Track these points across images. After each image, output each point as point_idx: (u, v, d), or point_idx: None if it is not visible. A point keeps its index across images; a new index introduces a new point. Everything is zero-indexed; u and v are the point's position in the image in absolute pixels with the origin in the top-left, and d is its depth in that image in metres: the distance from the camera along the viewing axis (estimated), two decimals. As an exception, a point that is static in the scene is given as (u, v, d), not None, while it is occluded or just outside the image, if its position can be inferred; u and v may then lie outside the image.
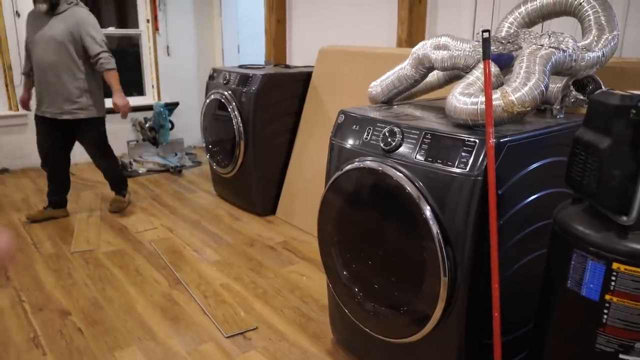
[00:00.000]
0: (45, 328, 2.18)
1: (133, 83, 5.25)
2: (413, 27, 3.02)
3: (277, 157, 3.55)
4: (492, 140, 1.38)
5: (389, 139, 1.64)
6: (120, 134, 5.03)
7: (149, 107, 5.06)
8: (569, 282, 1.28)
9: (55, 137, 3.35)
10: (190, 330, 2.17)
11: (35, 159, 4.67)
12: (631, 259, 1.16)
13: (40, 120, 3.34)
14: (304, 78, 3.52)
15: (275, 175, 3.55)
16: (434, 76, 2.08)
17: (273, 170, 3.54)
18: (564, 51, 1.56)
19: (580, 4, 1.75)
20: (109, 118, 4.94)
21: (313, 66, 3.51)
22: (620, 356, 1.22)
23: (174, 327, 2.19)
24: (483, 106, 1.46)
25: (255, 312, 2.31)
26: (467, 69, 1.70)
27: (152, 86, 5.25)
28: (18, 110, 4.51)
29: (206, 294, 2.46)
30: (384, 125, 1.69)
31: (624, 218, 1.17)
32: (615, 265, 1.18)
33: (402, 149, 1.60)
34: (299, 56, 4.15)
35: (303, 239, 3.12)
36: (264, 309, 2.34)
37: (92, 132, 3.45)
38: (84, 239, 3.11)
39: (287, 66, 3.92)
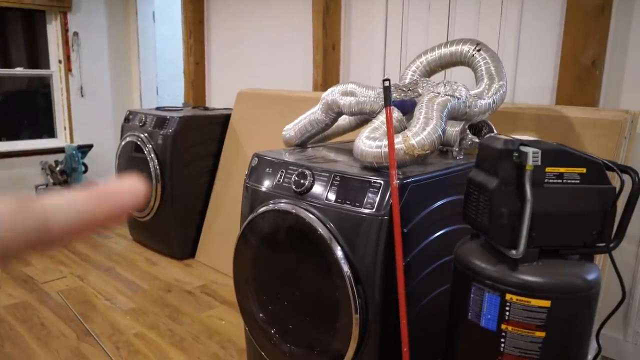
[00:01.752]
0: None
1: (44, 125, 5.01)
2: (328, 71, 3.15)
3: (196, 199, 3.50)
4: (395, 181, 1.46)
5: (300, 181, 1.68)
6: (27, 179, 4.76)
7: (60, 150, 4.83)
8: (469, 313, 1.36)
9: None
10: (99, 385, 2.05)
11: None
12: (521, 290, 1.26)
13: None
14: (223, 120, 3.53)
15: (194, 218, 3.49)
16: (345, 120, 2.18)
17: (192, 212, 3.48)
18: (458, 98, 1.69)
19: (473, 55, 1.93)
20: (15, 161, 4.69)
21: (232, 108, 3.54)
22: (518, 383, 1.30)
23: (81, 383, 2.06)
24: (387, 149, 1.54)
25: (170, 361, 2.23)
26: (373, 114, 1.80)
27: (65, 128, 5.03)
28: None
29: (118, 345, 2.34)
30: (295, 168, 1.74)
31: (513, 252, 1.27)
32: (508, 296, 1.27)
33: (314, 191, 1.65)
34: (218, 98, 4.18)
35: (223, 282, 3.06)
36: (180, 357, 2.25)
37: None
38: (-19, 292, 2.87)
39: (206, 108, 3.92)
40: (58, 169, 4.65)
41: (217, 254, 3.31)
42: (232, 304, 2.76)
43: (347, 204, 1.55)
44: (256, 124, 3.26)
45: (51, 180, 4.73)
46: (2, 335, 2.41)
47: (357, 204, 1.53)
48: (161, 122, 3.35)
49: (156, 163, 3.31)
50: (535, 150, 1.24)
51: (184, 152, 3.34)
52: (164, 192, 3.34)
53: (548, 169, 1.28)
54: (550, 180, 1.28)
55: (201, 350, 2.31)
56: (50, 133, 5.07)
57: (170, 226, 3.41)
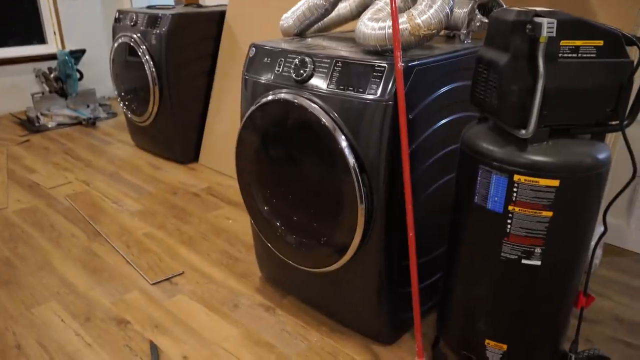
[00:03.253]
0: (-48, 293, 2.05)
1: (32, 30, 4.81)
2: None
3: (196, 102, 3.42)
4: (400, 64, 1.38)
5: (301, 70, 1.60)
6: (23, 86, 4.66)
7: (52, 56, 4.68)
8: (476, 197, 1.35)
9: None
10: (113, 281, 2.11)
11: None
12: (530, 170, 1.23)
13: None
14: (218, 18, 3.36)
15: (195, 121, 3.43)
16: (346, 7, 2.05)
17: (192, 115, 3.42)
18: (468, -27, 1.56)
19: None
20: (7, 69, 4.56)
21: (226, 5, 3.35)
22: (523, 261, 1.32)
23: (96, 279, 2.12)
24: (390, 30, 1.45)
25: (181, 258, 2.28)
26: (376, -5, 1.67)
27: (54, 33, 4.84)
28: None
29: (128, 244, 2.39)
30: (295, 56, 1.65)
31: (523, 132, 1.22)
32: (516, 177, 1.25)
33: (315, 79, 1.58)
34: (211, -6, 3.95)
35: (228, 183, 3.07)
36: (190, 254, 2.31)
37: None
38: (-11, 199, 2.90)
39: (200, 6, 3.72)
40: (52, 75, 4.52)
41: (220, 157, 3.29)
42: (237, 204, 2.78)
43: (350, 90, 1.49)
44: (253, 21, 3.10)
45: (47, 88, 4.62)
46: (14, 238, 2.47)
47: (361, 90, 1.46)
48: (153, 20, 3.19)
49: (152, 65, 3.20)
50: (551, 20, 1.14)
51: (179, 52, 3.21)
52: (162, 96, 3.26)
53: (563, 42, 1.19)
54: (565, 54, 1.20)
55: (210, 247, 2.36)
56: (40, 39, 4.88)
57: (171, 130, 3.36)
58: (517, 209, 1.27)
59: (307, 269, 1.75)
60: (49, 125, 4.29)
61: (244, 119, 1.79)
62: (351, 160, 1.49)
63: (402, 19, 1.45)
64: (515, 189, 1.25)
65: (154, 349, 1.71)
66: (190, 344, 1.75)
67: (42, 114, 4.39)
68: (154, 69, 3.20)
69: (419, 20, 1.44)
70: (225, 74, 3.30)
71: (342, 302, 1.78)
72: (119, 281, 2.11)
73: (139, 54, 3.23)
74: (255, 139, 1.78)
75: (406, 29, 1.44)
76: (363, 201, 1.51)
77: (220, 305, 1.94)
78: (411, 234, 1.45)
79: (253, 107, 1.74)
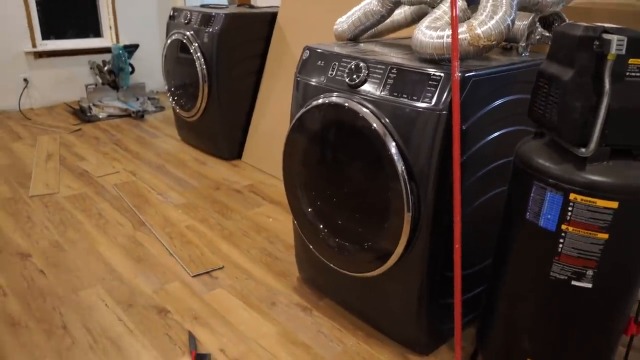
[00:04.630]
0: (5, 270, 2.14)
1: (90, 24, 4.99)
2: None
3: (242, 100, 3.48)
4: (457, 74, 1.37)
5: (355, 74, 1.61)
6: (77, 78, 4.84)
7: (107, 50, 4.84)
8: (528, 213, 1.32)
9: None
10: (156, 270, 2.16)
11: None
12: (587, 190, 1.20)
13: None
14: (269, 19, 3.40)
15: (241, 119, 3.49)
16: (401, 14, 2.05)
17: (238, 113, 3.47)
18: (531, -15, 1.54)
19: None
20: (65, 60, 4.75)
21: (278, 6, 3.40)
22: (573, 283, 1.28)
23: (139, 267, 2.18)
24: (449, 40, 1.44)
25: (221, 252, 2.32)
26: (434, 3, 1.67)
27: (110, 27, 5.01)
28: (-35, 49, 4.25)
29: (171, 236, 2.44)
30: (349, 60, 1.66)
31: (583, 150, 1.20)
32: (572, 196, 1.22)
33: (368, 85, 1.58)
34: (264, -4, 4.01)
35: (270, 182, 3.11)
36: (231, 249, 2.34)
37: None
38: (42, 183, 3.02)
39: (252, 6, 3.78)
40: (106, 68, 4.68)
41: (263, 156, 3.33)
42: (279, 203, 2.81)
43: (404, 97, 1.48)
44: (304, 22, 3.13)
45: (100, 80, 4.78)
46: (64, 222, 2.56)
47: (415, 98, 1.46)
48: (206, 19, 3.26)
49: (203, 62, 3.27)
50: (621, 38, 1.11)
51: (230, 51, 3.27)
52: (211, 93, 3.32)
53: (631, 61, 1.16)
54: (633, 73, 1.17)
55: (250, 244, 2.39)
56: (97, 32, 5.06)
57: (218, 127, 3.43)
58: (570, 228, 1.24)
59: (348, 272, 1.75)
60: (100, 116, 4.43)
61: (294, 121, 1.81)
62: (400, 166, 1.49)
63: (462, 28, 1.44)
64: (570, 208, 1.22)
65: (193, 339, 1.74)
66: (227, 338, 1.77)
67: (94, 105, 4.55)
68: (204, 67, 3.27)
69: (479, 31, 1.43)
70: (273, 74, 3.34)
71: (380, 308, 1.77)
72: (161, 271, 2.16)
73: (191, 51, 3.31)
74: (303, 141, 1.80)
75: (465, 39, 1.43)
76: (410, 209, 1.50)
77: (258, 302, 1.97)
78: (457, 245, 1.43)
79: (303, 110, 1.76)
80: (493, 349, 1.53)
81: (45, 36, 4.70)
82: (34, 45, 4.56)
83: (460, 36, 1.42)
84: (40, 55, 4.61)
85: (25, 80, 4.59)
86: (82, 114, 4.44)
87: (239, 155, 3.51)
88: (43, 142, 3.77)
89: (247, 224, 2.58)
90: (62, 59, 4.76)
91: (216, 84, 3.29)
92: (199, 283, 2.08)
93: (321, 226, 1.80)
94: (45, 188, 2.95)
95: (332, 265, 1.79)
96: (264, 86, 3.41)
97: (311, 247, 1.85)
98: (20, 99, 4.59)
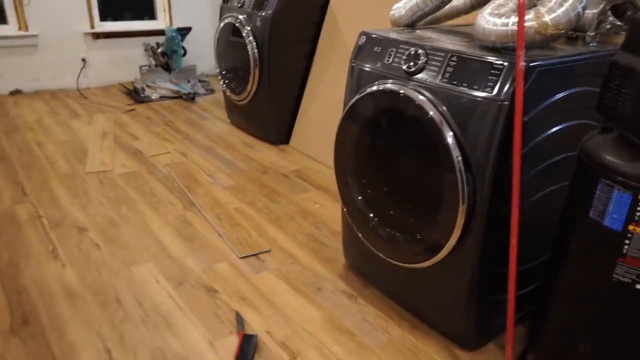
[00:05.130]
0: (63, 242, 2.23)
1: (144, 7, 5.10)
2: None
3: (292, 85, 3.48)
4: (522, 64, 1.31)
5: (413, 61, 1.58)
6: (132, 59, 4.96)
7: (160, 32, 4.94)
8: (591, 212, 1.26)
9: None
10: (205, 250, 2.21)
11: (48, 81, 4.65)
12: (659, 189, 1.13)
13: None
14: (322, 3, 3.37)
15: (290, 104, 3.49)
16: (460, 0, 1.99)
17: (287, 98, 3.48)
18: (606, -29, 1.45)
19: None
20: (120, 41, 4.88)
21: (332, -10, 3.37)
22: (637, 287, 1.22)
23: (189, 246, 2.23)
24: (514, 27, 1.38)
25: (268, 236, 2.34)
26: (499, -11, 1.60)
27: (164, 10, 5.10)
28: (27, 30, 4.42)
29: (220, 217, 2.49)
30: (407, 47, 1.62)
31: (656, 147, 1.13)
32: (641, 195, 1.16)
33: (426, 72, 1.55)
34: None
35: (317, 168, 3.11)
36: (277, 233, 2.36)
37: None
38: (98, 160, 3.13)
39: (305, -10, 3.75)
40: (159, 50, 4.77)
41: (311, 141, 3.33)
42: (326, 189, 2.81)
43: (464, 86, 1.44)
44: (357, 8, 3.09)
45: (153, 62, 4.89)
46: (118, 199, 2.65)
47: (475, 87, 1.42)
48: (260, 3, 3.27)
49: (254, 46, 3.28)
50: None
51: (282, 35, 3.27)
52: (262, 77, 3.34)
53: None
54: None
55: (296, 228, 2.41)
56: (151, 15, 5.16)
57: (267, 111, 3.45)
58: (638, 229, 1.18)
59: (396, 263, 1.73)
60: (152, 97, 4.54)
61: (347, 108, 1.79)
62: (456, 157, 1.45)
63: (529, 15, 1.38)
64: (639, 208, 1.16)
65: (240, 320, 1.77)
66: (273, 320, 1.79)
67: (147, 86, 4.66)
68: (256, 50, 3.28)
69: (547, 18, 1.36)
70: (324, 59, 3.32)
71: (427, 300, 1.75)
72: (209, 251, 2.20)
73: (243, 34, 3.32)
74: (356, 129, 1.78)
75: (532, 27, 1.37)
76: (465, 201, 1.46)
77: (304, 287, 1.98)
78: (514, 241, 1.39)
79: (357, 97, 1.74)
80: (545, 350, 1.48)
81: (103, 18, 4.83)
82: (92, 27, 4.70)
83: (526, 24, 1.37)
84: (97, 36, 4.75)
85: (83, 60, 4.75)
86: (135, 95, 4.56)
87: (286, 140, 3.52)
88: (99, 120, 3.90)
89: (294, 208, 2.60)
90: (118, 40, 4.89)
91: (267, 68, 3.30)
92: (246, 265, 2.11)
93: (371, 215, 1.79)
94: (101, 165, 3.05)
95: (380, 254, 1.78)
96: (314, 71, 3.40)
97: (360, 235, 1.84)
98: (78, 78, 4.75)
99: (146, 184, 2.82)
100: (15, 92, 4.54)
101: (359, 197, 1.82)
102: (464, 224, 1.49)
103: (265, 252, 2.20)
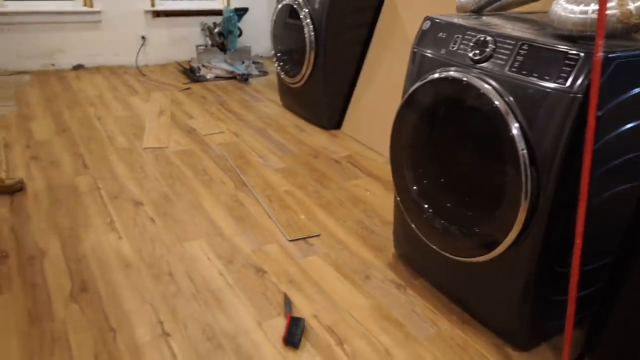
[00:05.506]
0: (120, 214, 2.31)
1: (204, -14, 5.16)
2: None
3: (347, 70, 3.44)
4: (600, 54, 1.24)
5: (480, 49, 1.52)
6: (190, 38, 5.04)
7: (218, 12, 4.98)
8: (666, 214, 1.19)
9: None
10: (255, 230, 2.23)
11: (109, 57, 4.79)
12: None
13: None
14: (382, -13, 3.31)
15: (344, 88, 3.46)
16: (532, -15, 1.89)
17: (341, 83, 3.45)
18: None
19: None
20: (179, 20, 4.96)
21: (393, -27, 3.29)
22: None
23: (240, 226, 2.26)
24: (594, 15, 1.30)
25: (318, 220, 2.34)
26: (577, -26, 1.51)
27: (223, -10, 5.14)
28: (92, 6, 4.56)
29: (271, 199, 2.50)
30: (475, 34, 1.56)
31: None
32: None
33: (493, 60, 1.49)
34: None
35: (368, 155, 3.08)
36: (327, 218, 2.36)
37: None
38: (154, 137, 3.21)
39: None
40: (216, 30, 4.82)
41: (363, 127, 3.30)
42: (377, 177, 2.78)
43: (534, 76, 1.37)
44: (419, -9, 3.00)
45: (209, 42, 4.95)
46: (173, 175, 2.71)
47: (546, 78, 1.35)
48: (319, -15, 3.23)
49: (311, 29, 3.26)
50: None
51: (339, 18, 3.23)
52: (317, 60, 3.32)
53: None
54: None
55: (346, 214, 2.40)
56: (210, -5, 5.21)
57: (320, 95, 3.43)
58: None
59: (450, 256, 1.69)
60: (207, 77, 4.61)
61: (407, 95, 1.75)
62: (521, 150, 1.39)
63: (611, 3, 1.29)
64: None
65: (288, 302, 1.78)
66: (321, 305, 1.80)
67: (203, 66, 4.72)
68: (312, 33, 3.26)
69: (631, 7, 1.28)
70: (382, 44, 3.26)
71: (479, 296, 1.71)
72: (259, 232, 2.22)
73: (300, 16, 3.31)
74: (415, 116, 1.74)
75: (614, 15, 1.29)
76: (527, 197, 1.41)
77: (352, 274, 1.97)
78: (578, 240, 1.33)
79: (418, 84, 1.69)
80: (605, 355, 1.42)
81: (163, -4, 4.93)
82: (152, 4, 4.80)
83: (608, 12, 1.28)
84: (157, 14, 4.85)
85: (142, 37, 4.86)
86: (191, 74, 4.64)
87: (338, 125, 3.50)
88: (156, 97, 3.99)
89: (344, 194, 2.58)
90: (177, 19, 4.97)
91: (323, 52, 3.27)
92: (295, 248, 2.12)
93: (426, 206, 1.75)
94: (157, 142, 3.13)
95: (434, 247, 1.74)
96: (371, 56, 3.34)
97: (413, 226, 1.81)
98: (137, 56, 4.87)
99: (199, 162, 2.88)
100: (78, 67, 4.71)
101: (414, 187, 1.79)
102: (524, 221, 1.44)
103: (315, 236, 2.21)
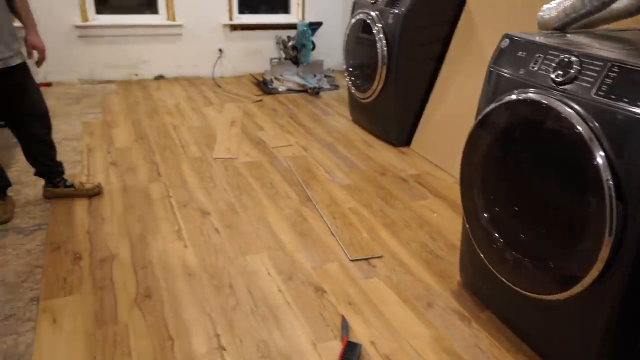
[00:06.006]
0: (188, 223, 2.36)
1: (279, 0, 5.26)
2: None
3: (418, 86, 3.36)
4: None
5: (563, 70, 1.41)
6: (264, 51, 5.15)
7: (292, 26, 5.06)
8: None
9: None
10: (317, 247, 2.21)
11: (188, 69, 4.98)
12: None
13: None
14: (458, 1, 3.21)
15: (415, 105, 3.38)
16: (623, 2, 1.75)
17: (412, 99, 3.37)
18: None
19: None
20: (254, 34, 5.09)
21: (471, -12, 3.18)
22: None
23: (302, 241, 2.24)
24: (699, 36, 1.17)
25: (381, 240, 2.28)
26: (679, -10, 1.38)
27: (297, 4, 5.22)
28: (174, 20, 4.77)
29: (335, 215, 2.47)
30: (558, 54, 1.46)
31: None
32: None
33: (577, 83, 1.37)
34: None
35: (437, 174, 2.98)
36: (391, 238, 2.29)
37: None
38: (225, 147, 3.28)
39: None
40: (290, 44, 4.90)
41: (434, 145, 3.20)
42: (445, 198, 2.68)
43: (624, 101, 1.25)
44: (498, 8, 2.88)
45: (283, 55, 5.03)
46: (240, 187, 2.75)
47: (639, 103, 1.22)
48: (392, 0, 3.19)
49: (384, 44, 3.21)
50: None
51: (413, 33, 3.16)
52: (388, 76, 3.27)
53: None
54: None
55: (410, 236, 2.32)
56: (285, 8, 5.32)
57: (390, 111, 3.37)
58: None
59: (521, 290, 1.57)
60: (279, 89, 4.68)
61: (480, 116, 1.66)
62: (606, 180, 1.27)
63: None
64: None
65: (346, 325, 1.73)
66: (379, 331, 1.73)
67: (275, 78, 4.81)
68: (385, 48, 3.22)
69: None
70: (456, 61, 3.16)
71: (551, 336, 1.57)
72: (321, 249, 2.20)
73: (374, 31, 3.27)
74: (489, 139, 1.65)
75: None
76: (612, 232, 1.28)
77: (414, 300, 1.89)
78: (671, 286, 1.18)
79: (494, 105, 1.60)
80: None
81: (241, 11, 5.07)
82: (230, 19, 4.95)
83: None
84: (234, 27, 5.00)
85: (220, 50, 5.03)
86: (264, 86, 4.73)
87: (407, 142, 3.42)
88: (229, 109, 4.09)
89: (410, 215, 2.50)
90: (253, 32, 5.10)
91: (395, 67, 3.22)
92: (356, 268, 2.07)
93: (497, 235, 1.64)
94: (227, 152, 3.19)
95: (504, 279, 1.63)
96: (444, 73, 3.25)
97: (482, 255, 1.71)
98: (214, 68, 5.04)
99: (267, 175, 2.90)
100: (159, 77, 4.94)
101: (485, 214, 1.69)
102: (607, 259, 1.30)
103: (377, 257, 2.15)
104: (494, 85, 1.65)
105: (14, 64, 2.11)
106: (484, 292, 1.86)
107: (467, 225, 1.78)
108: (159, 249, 2.16)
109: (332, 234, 2.31)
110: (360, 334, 1.71)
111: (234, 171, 2.94)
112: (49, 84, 4.54)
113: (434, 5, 3.17)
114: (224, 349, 1.63)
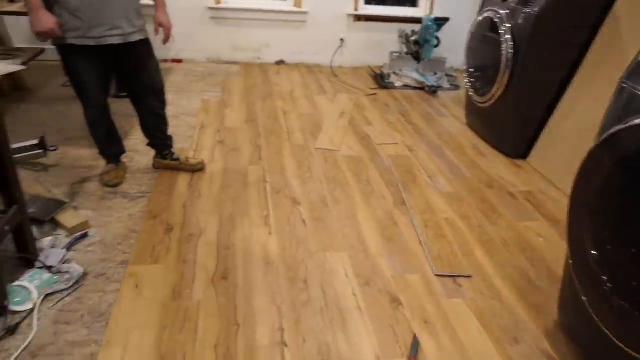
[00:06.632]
0: (277, 210, 2.36)
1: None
2: None
3: (544, 95, 3.04)
4: None
5: None
6: (385, 44, 5.05)
7: (417, 20, 4.88)
8: None
9: (105, 73, 2.31)
10: (402, 255, 2.09)
11: (309, 56, 5.03)
12: None
13: (83, 53, 2.15)
14: (603, 4, 2.83)
15: (537, 115, 3.07)
16: None
17: (535, 109, 3.07)
18: None
19: None
20: (377, 25, 4.99)
21: (622, -11, 2.80)
22: None
23: (387, 246, 2.14)
24: None
25: (473, 258, 2.10)
26: None
27: (428, -2, 5.02)
28: (301, 7, 4.83)
29: (427, 224, 2.33)
30: None
31: None
32: None
33: None
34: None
35: (552, 195, 2.68)
36: (484, 258, 2.10)
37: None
38: (328, 138, 3.25)
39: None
40: (413, 38, 4.73)
41: (554, 162, 2.89)
42: (557, 222, 2.40)
43: None
44: (653, 12, 2.50)
45: (404, 49, 4.88)
46: (336, 180, 2.70)
47: None
48: (528, -3, 2.91)
49: (510, 46, 2.95)
50: None
51: (545, 37, 2.86)
52: (511, 80, 3.00)
53: None
54: None
55: (508, 259, 2.10)
56: (413, 2, 5.14)
57: (509, 119, 3.11)
58: None
59: (625, 348, 1.34)
60: (396, 84, 4.54)
61: (605, 136, 1.43)
62: None
63: None
64: None
65: (416, 346, 1.61)
66: (451, 359, 1.58)
67: (393, 73, 4.68)
68: (511, 51, 2.95)
69: None
70: (593, 71, 2.81)
71: (659, 407, 1.32)
72: (406, 258, 2.07)
73: (500, 31, 3.02)
74: (610, 164, 1.41)
75: None
76: None
77: (498, 331, 1.71)
78: None
79: (622, 125, 1.37)
80: None
81: (368, 1, 4.99)
82: (355, 9, 4.90)
83: None
84: (358, 18, 4.94)
85: (341, 40, 5.00)
86: (380, 79, 4.62)
87: (524, 155, 3.13)
88: (341, 99, 4.06)
89: (512, 235, 2.28)
90: (376, 24, 5.01)
91: (519, 72, 2.94)
92: (439, 284, 1.93)
93: (605, 278, 1.41)
94: (330, 144, 3.16)
95: (606, 330, 1.40)
96: (578, 83, 2.91)
97: (584, 298, 1.48)
98: (333, 57, 5.04)
99: (365, 171, 2.82)
100: (280, 62, 5.04)
101: (593, 252, 1.46)
102: None
103: (466, 276, 1.98)
104: (625, 103, 1.41)
105: (134, 40, 2.24)
106: (582, 339, 1.62)
107: (571, 261, 1.55)
108: (245, 233, 2.18)
109: (421, 244, 2.17)
110: (429, 357, 1.58)
111: (333, 163, 2.89)
112: (180, 61, 4.85)
113: (574, 7, 2.83)
114: (285, 344, 1.60)
